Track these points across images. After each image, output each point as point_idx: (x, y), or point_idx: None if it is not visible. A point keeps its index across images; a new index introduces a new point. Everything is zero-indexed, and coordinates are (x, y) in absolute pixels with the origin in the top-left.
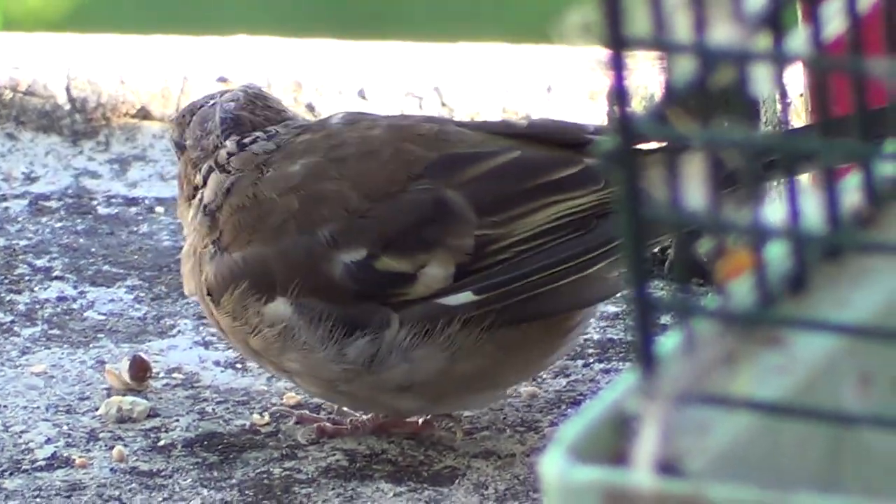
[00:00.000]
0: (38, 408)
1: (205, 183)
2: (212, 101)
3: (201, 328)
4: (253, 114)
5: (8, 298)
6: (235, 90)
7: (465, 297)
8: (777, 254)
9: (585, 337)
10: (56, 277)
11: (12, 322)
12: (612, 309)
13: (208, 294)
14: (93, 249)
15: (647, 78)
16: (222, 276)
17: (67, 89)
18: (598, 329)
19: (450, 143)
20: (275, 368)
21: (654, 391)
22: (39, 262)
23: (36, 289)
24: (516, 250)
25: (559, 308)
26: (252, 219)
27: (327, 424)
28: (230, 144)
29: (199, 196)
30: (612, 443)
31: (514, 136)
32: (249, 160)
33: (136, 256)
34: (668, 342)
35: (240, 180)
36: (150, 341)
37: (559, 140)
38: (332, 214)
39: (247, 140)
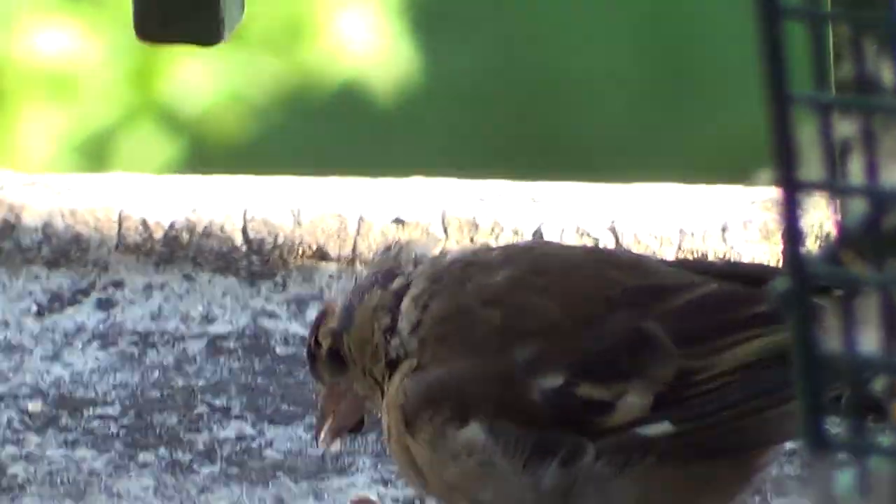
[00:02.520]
0: None
1: (389, 365)
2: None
3: (379, 465)
4: (405, 260)
5: (187, 438)
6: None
7: (664, 427)
8: None
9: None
10: (235, 417)
11: (191, 461)
12: (789, 445)
13: (405, 423)
14: (271, 389)
15: (822, 218)
16: (421, 394)
17: (244, 231)
18: (775, 465)
19: (648, 272)
20: (466, 488)
21: None
22: (218, 402)
23: (215, 428)
24: (717, 383)
25: (760, 441)
26: (456, 329)
27: None
28: (395, 282)
29: (388, 382)
30: None
31: (705, 271)
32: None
33: (314, 395)
34: (844, 479)
35: (436, 294)
36: (328, 479)
37: (749, 277)
38: (536, 331)
39: (410, 281)
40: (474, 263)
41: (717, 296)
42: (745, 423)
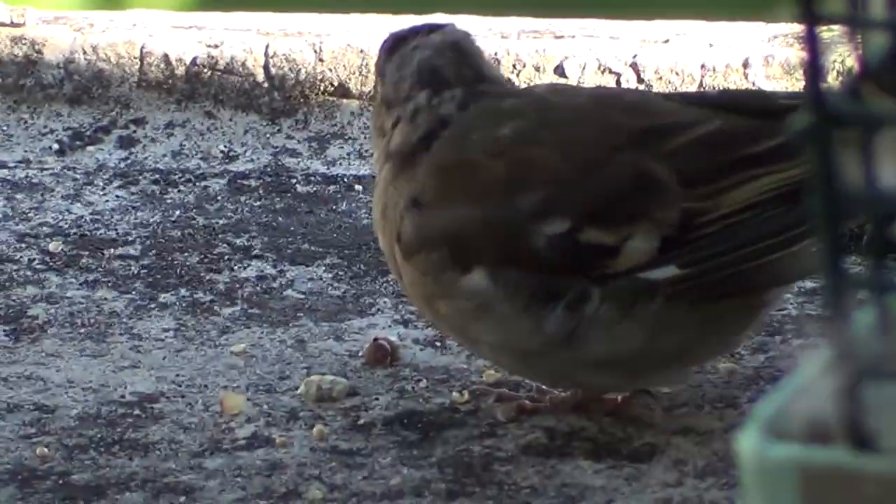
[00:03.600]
0: (238, 387)
1: (394, 127)
2: (413, 44)
3: (400, 306)
4: (454, 67)
5: (208, 278)
6: (440, 33)
7: (670, 270)
8: None
9: (783, 312)
10: (255, 256)
11: (212, 301)
12: (809, 285)
13: (398, 242)
14: (292, 228)
15: (844, 53)
16: (421, 236)
17: (266, 67)
18: (795, 305)
19: (652, 112)
20: (462, 338)
21: (850, 367)
22: (239, 242)
23: (235, 268)
24: (723, 224)
25: (765, 283)
26: (458, 180)
27: (526, 402)
28: (422, 98)
29: (387, 138)
30: (808, 420)
31: (708, 105)
32: (434, 119)
33: (335, 235)
34: (863, 318)
35: (442, 139)
36: (349, 320)
37: (752, 109)
38: (540, 182)
39: (436, 100)
40: (486, 112)
41: (720, 133)
42: (751, 264)
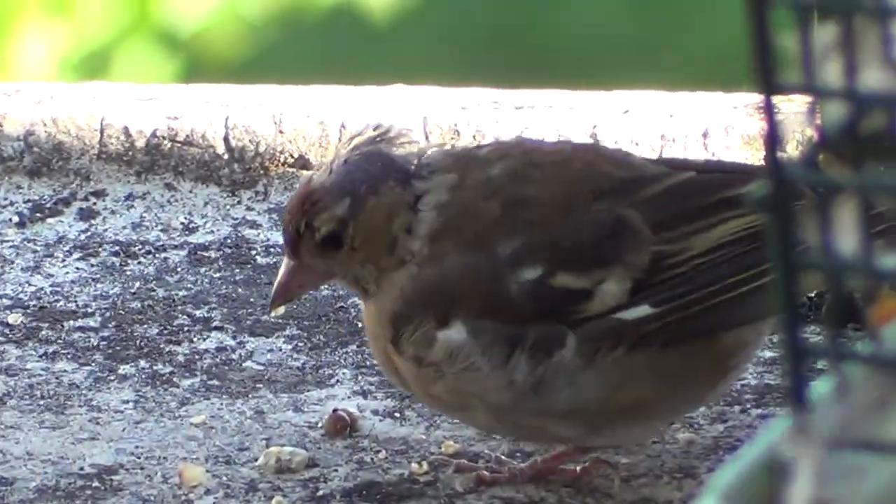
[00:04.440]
0: (197, 459)
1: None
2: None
3: (360, 377)
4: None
5: (167, 349)
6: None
7: (643, 310)
8: None
9: (742, 382)
10: (215, 328)
11: (171, 373)
12: (768, 354)
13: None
14: (252, 299)
15: (802, 123)
16: (411, 301)
17: (226, 139)
18: (755, 374)
19: (635, 166)
20: (462, 415)
21: (808, 436)
22: (198, 313)
23: (195, 339)
24: (693, 264)
25: (735, 321)
26: (451, 228)
27: (485, 473)
28: (417, 185)
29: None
30: (766, 488)
31: (689, 168)
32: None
33: (294, 306)
34: (821, 387)
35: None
36: (309, 391)
37: (729, 171)
38: (528, 222)
39: (416, 173)
40: (472, 160)
41: (691, 183)
42: (719, 302)
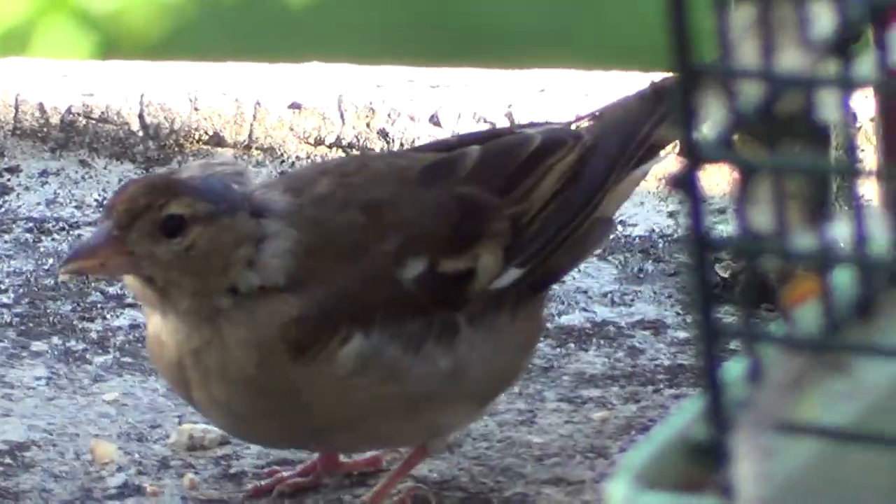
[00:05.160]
0: (109, 435)
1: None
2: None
3: None
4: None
5: (80, 326)
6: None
7: (512, 274)
8: (844, 279)
9: (656, 362)
10: (129, 305)
11: (84, 350)
12: (682, 335)
13: (295, 349)
14: None
15: (718, 103)
16: (315, 320)
17: (141, 116)
18: (668, 355)
19: (417, 156)
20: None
21: (742, 421)
22: (112, 290)
23: (108, 316)
24: (540, 217)
25: (576, 261)
26: (321, 247)
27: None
28: (265, 223)
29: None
30: (679, 469)
31: (459, 145)
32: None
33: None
34: (734, 368)
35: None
36: None
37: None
38: (392, 224)
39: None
40: (295, 187)
41: (490, 150)
42: (564, 246)
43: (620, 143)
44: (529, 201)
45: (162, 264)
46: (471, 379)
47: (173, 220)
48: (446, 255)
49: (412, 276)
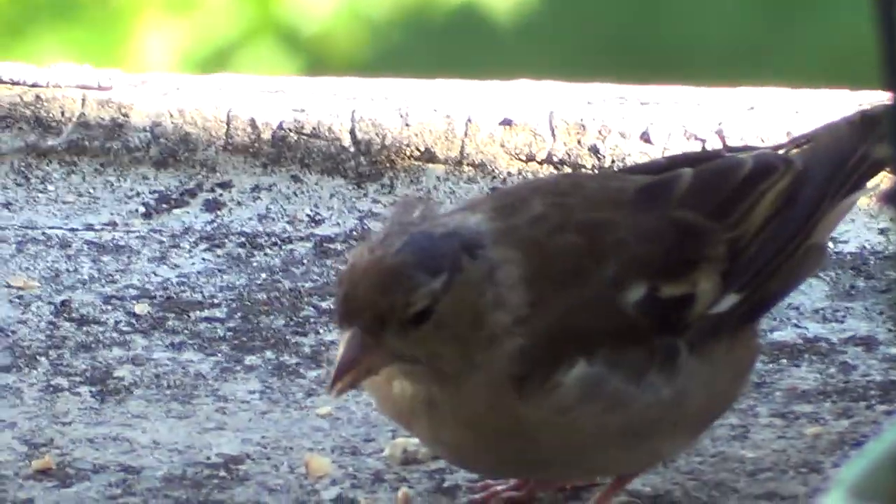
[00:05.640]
0: (323, 449)
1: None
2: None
3: None
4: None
5: (294, 341)
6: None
7: (731, 299)
8: None
9: (868, 378)
10: None
11: (298, 364)
12: (894, 351)
13: (520, 381)
14: None
15: None
16: (543, 349)
17: (352, 132)
18: (880, 371)
19: (627, 177)
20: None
21: None
22: (324, 305)
23: (321, 331)
24: (756, 242)
25: (793, 284)
26: (540, 273)
27: None
28: (482, 254)
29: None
30: (893, 483)
31: (668, 168)
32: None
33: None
34: None
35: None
36: None
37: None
38: (611, 244)
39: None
40: (506, 205)
41: (705, 173)
42: (784, 267)
43: (831, 170)
44: (745, 226)
45: (420, 348)
46: (691, 407)
47: (420, 315)
48: (666, 280)
49: (634, 301)
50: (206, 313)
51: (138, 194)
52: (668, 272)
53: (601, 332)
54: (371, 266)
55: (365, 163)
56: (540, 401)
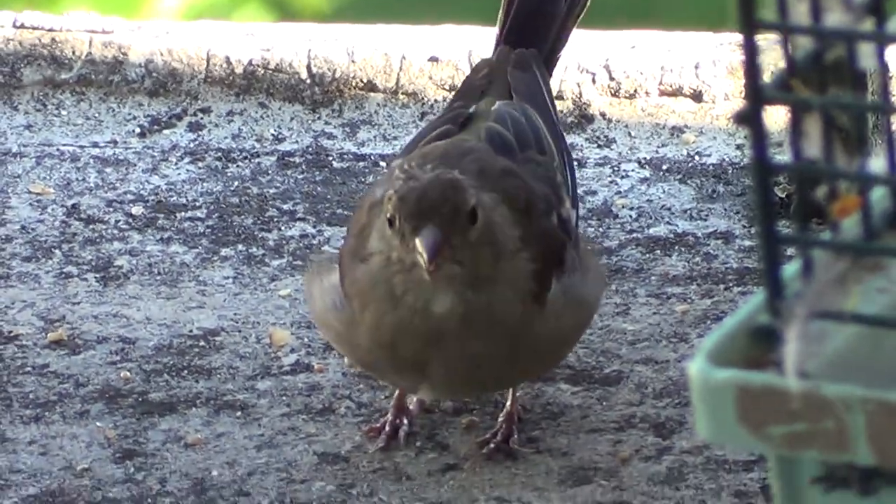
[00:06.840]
0: (284, 324)
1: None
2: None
3: None
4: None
5: (260, 236)
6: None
7: (573, 212)
8: (879, 196)
9: (727, 266)
10: (299, 219)
11: (263, 255)
12: (748, 243)
13: (534, 299)
14: (328, 196)
15: (776, 56)
16: (544, 270)
17: (308, 67)
18: (736, 260)
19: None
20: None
21: (794, 311)
22: (285, 207)
23: (283, 228)
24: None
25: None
26: (514, 210)
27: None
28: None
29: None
30: (747, 350)
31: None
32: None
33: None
34: (789, 269)
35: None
36: None
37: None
38: (527, 184)
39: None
40: (450, 163)
41: (506, 121)
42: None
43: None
44: (551, 152)
45: (469, 250)
46: (597, 296)
47: (472, 212)
48: (557, 205)
49: (555, 224)
50: (189, 214)
51: (135, 118)
52: (556, 199)
53: (557, 249)
54: (433, 178)
55: (319, 92)
56: (546, 311)
